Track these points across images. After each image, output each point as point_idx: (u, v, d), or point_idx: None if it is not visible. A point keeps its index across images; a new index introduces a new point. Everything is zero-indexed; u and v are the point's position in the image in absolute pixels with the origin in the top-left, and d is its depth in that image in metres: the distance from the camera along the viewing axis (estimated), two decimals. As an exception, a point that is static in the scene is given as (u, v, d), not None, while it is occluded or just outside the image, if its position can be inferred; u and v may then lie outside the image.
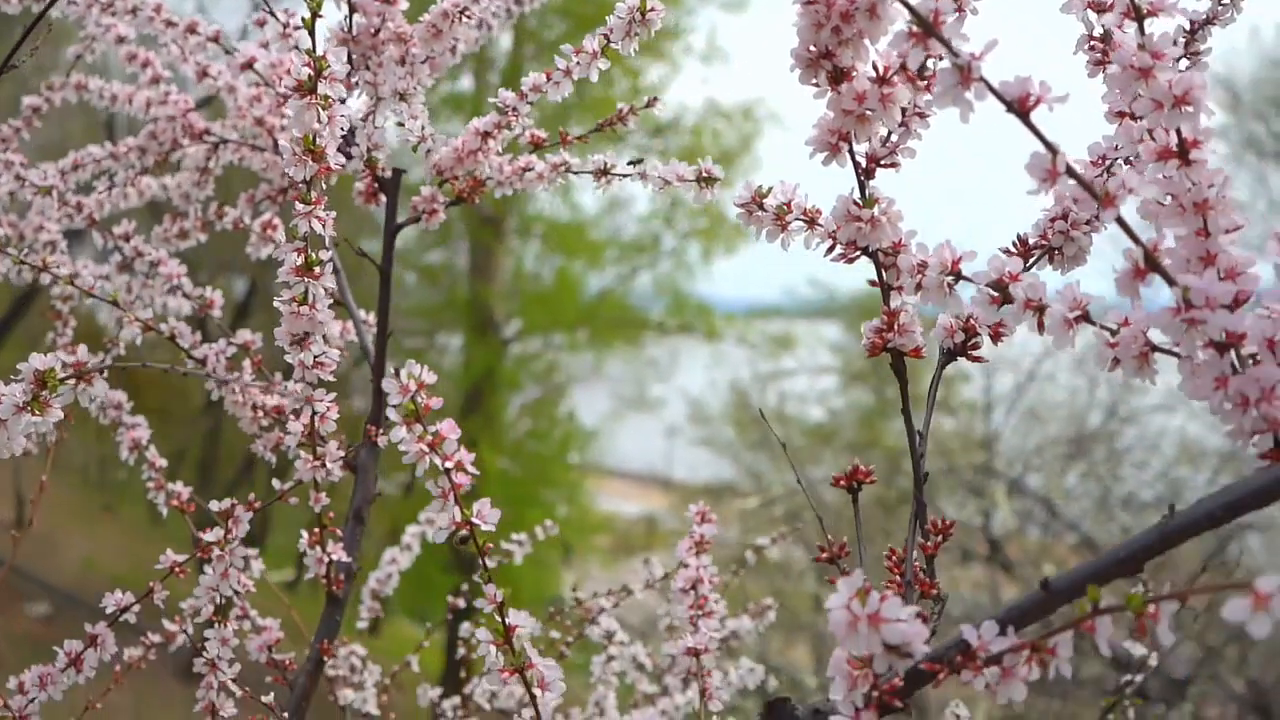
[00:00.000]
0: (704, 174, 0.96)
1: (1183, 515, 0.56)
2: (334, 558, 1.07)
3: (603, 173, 1.06)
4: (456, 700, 1.47)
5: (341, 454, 1.00)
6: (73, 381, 0.72)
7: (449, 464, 0.70)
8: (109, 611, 1.02)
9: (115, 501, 12.04)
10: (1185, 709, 5.37)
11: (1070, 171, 0.57)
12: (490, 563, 0.76)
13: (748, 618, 1.63)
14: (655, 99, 1.12)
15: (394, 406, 0.69)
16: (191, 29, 1.20)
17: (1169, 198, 0.62)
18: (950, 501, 7.34)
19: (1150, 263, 0.58)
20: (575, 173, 1.08)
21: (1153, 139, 0.62)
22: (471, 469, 0.71)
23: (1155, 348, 0.62)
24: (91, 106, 1.39)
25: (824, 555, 0.75)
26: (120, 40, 1.28)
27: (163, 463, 1.19)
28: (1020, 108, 0.57)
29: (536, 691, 0.73)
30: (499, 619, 0.73)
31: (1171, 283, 0.57)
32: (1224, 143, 10.08)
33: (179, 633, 1.22)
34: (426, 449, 0.70)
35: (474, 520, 0.71)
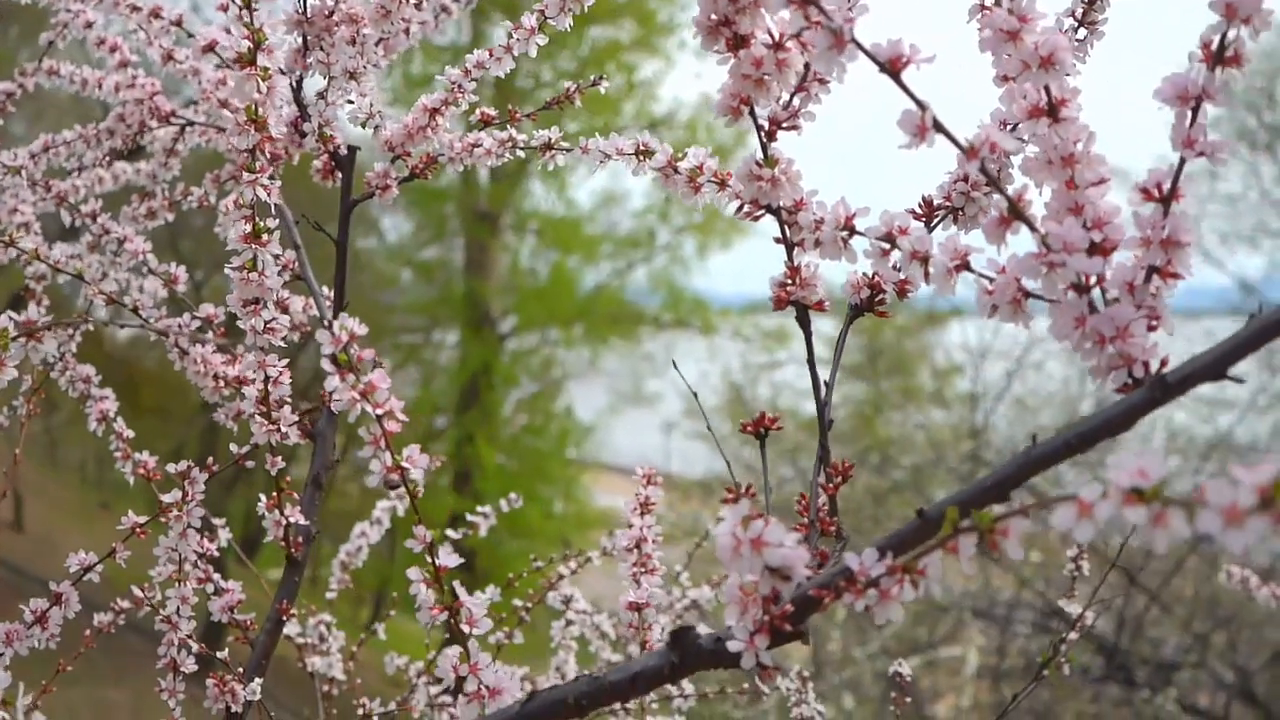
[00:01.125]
0: (641, 148, 1.00)
1: (1043, 445, 0.61)
2: (292, 521, 1.11)
3: (547, 147, 1.10)
4: (420, 665, 1.52)
5: (295, 418, 1.04)
6: (23, 339, 0.76)
7: (380, 411, 0.74)
8: (72, 571, 1.06)
9: (113, 500, 12.09)
10: (1170, 694, 5.42)
11: (938, 127, 0.61)
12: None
13: (708, 587, 1.67)
14: (600, 78, 1.17)
15: (327, 357, 0.73)
16: (155, 14, 1.24)
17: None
18: (941, 491, 7.39)
19: (1014, 212, 0.62)
20: (522, 148, 1.12)
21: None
22: (402, 416, 0.75)
23: (1029, 293, 0.66)
24: (88, 107, 1.44)
25: (730, 498, 0.79)
26: (89, 25, 1.32)
27: (130, 434, 1.23)
28: (892, 68, 0.61)
29: (465, 628, 0.77)
30: (429, 560, 0.77)
31: (1034, 229, 0.62)
32: (1215, 134, 10.07)
33: (144, 598, 1.26)
34: (358, 397, 0.74)
35: (404, 465, 0.75)
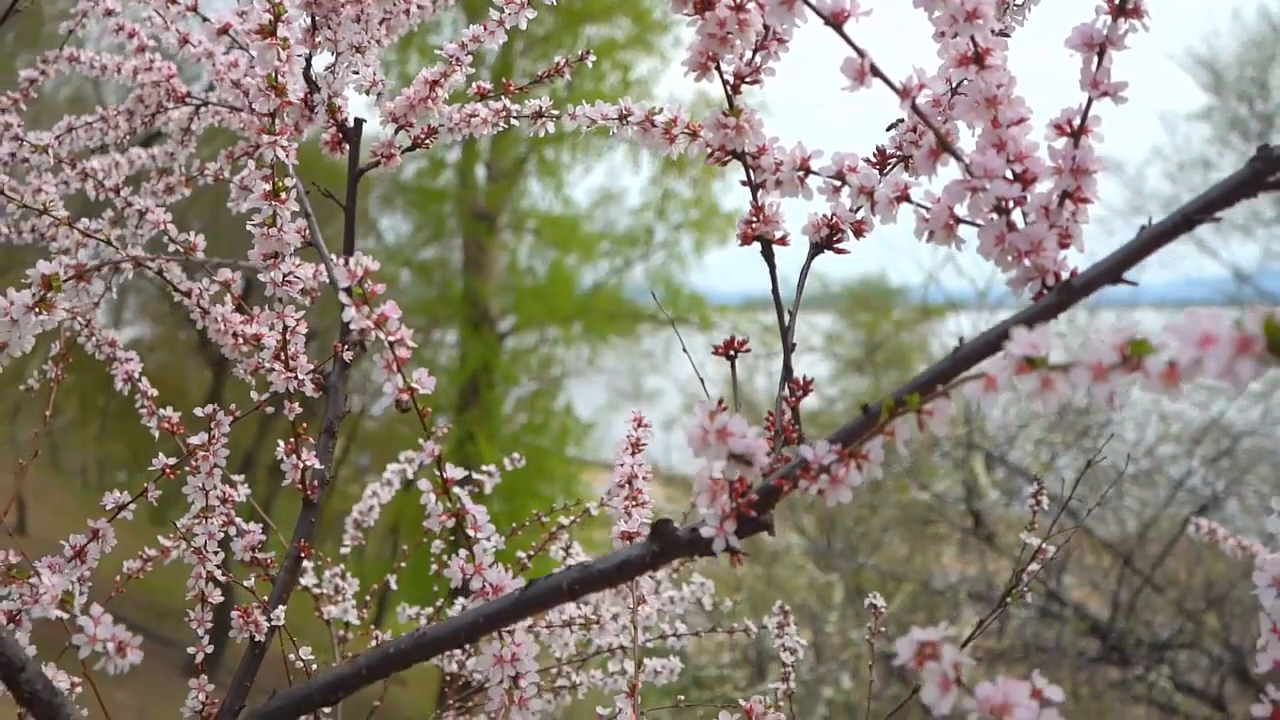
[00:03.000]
0: (624, 113, 1.09)
1: (970, 345, 0.70)
2: (308, 465, 1.20)
3: (538, 115, 1.20)
4: (430, 611, 1.61)
5: (310, 367, 1.13)
6: (74, 281, 0.86)
7: (393, 339, 0.84)
8: (108, 508, 1.15)
9: (115, 502, 12.07)
10: (1163, 672, 5.51)
11: (875, 71, 0.70)
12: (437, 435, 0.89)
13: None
14: (588, 52, 1.26)
15: (344, 290, 0.82)
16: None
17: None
18: (937, 477, 7.48)
19: (942, 144, 0.71)
20: (516, 118, 1.21)
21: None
22: (411, 343, 0.84)
23: (959, 219, 0.75)
24: (86, 109, 1.53)
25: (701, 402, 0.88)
26: (109, 13, 1.41)
27: (154, 392, 1.32)
28: (835, 20, 0.70)
29: (470, 532, 0.86)
30: (437, 472, 0.86)
31: (958, 159, 0.71)
32: (1208, 124, 10.17)
33: (173, 546, 1.35)
34: (373, 326, 0.83)
35: (414, 385, 0.85)
